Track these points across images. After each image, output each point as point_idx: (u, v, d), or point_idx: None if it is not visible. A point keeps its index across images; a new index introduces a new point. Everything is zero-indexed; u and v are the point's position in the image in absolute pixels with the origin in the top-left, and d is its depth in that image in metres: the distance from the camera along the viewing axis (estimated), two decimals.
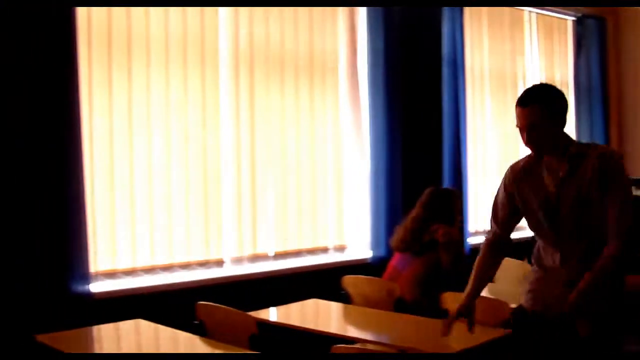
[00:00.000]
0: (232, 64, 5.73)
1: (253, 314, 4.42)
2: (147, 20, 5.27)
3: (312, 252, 6.23)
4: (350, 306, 5.07)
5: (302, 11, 6.19)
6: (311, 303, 5.07)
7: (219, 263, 5.63)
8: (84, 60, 4.91)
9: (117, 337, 4.35)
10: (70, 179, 4.71)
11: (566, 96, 3.48)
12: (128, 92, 5.17)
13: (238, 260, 5.72)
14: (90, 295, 4.80)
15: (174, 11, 5.40)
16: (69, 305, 4.70)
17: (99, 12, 5.01)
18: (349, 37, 6.46)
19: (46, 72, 4.64)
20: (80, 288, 4.76)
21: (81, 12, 4.86)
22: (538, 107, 3.36)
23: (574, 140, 3.54)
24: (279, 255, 5.99)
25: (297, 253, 6.12)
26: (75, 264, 4.74)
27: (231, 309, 4.30)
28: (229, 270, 5.66)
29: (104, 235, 5.06)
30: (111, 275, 5.08)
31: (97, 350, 4.16)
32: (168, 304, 5.09)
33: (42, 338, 4.05)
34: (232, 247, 5.73)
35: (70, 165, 4.71)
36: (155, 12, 5.31)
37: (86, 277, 4.80)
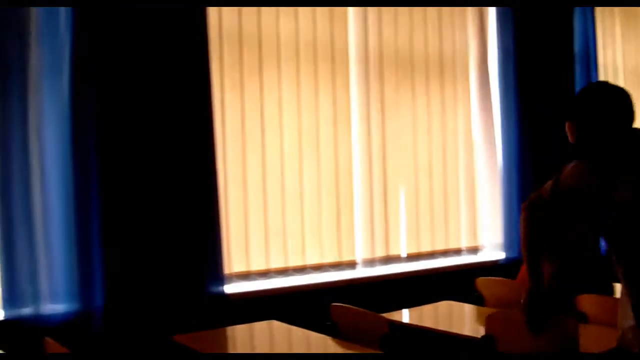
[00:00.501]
0: (361, 64, 5.68)
1: (385, 315, 4.36)
2: (277, 22, 5.28)
3: (444, 253, 6.12)
4: (483, 308, 4.94)
5: (431, 11, 6.10)
6: (444, 305, 4.97)
7: (352, 264, 5.59)
8: (216, 62, 4.95)
9: (250, 338, 4.36)
10: (205, 182, 4.76)
11: None
12: (259, 94, 5.19)
13: (370, 262, 5.66)
14: (225, 297, 4.84)
15: (304, 12, 5.40)
16: (205, 306, 4.74)
17: (229, 15, 5.05)
18: (478, 37, 6.34)
19: (179, 74, 4.69)
20: (216, 289, 4.79)
21: (212, 15, 4.90)
22: None
23: None
24: (412, 257, 5.91)
25: (430, 254, 6.01)
26: (211, 266, 4.78)
27: (363, 310, 4.25)
28: (361, 271, 5.61)
29: (238, 237, 5.08)
30: (245, 276, 5.10)
31: (231, 350, 4.18)
32: (301, 305, 5.08)
33: (179, 338, 4.09)
34: (365, 249, 5.68)
35: (204, 169, 4.75)
36: (285, 14, 5.32)
37: (221, 279, 4.83)
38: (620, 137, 3.03)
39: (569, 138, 3.14)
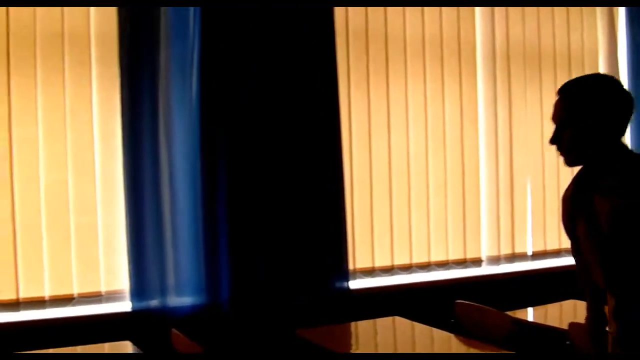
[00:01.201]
0: (488, 60, 5.57)
1: (509, 313, 4.27)
2: (404, 19, 5.23)
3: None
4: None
5: (559, 10, 5.95)
6: (569, 304, 4.82)
7: (476, 262, 5.50)
8: (342, 60, 4.93)
9: (373, 334, 4.31)
10: (331, 179, 4.75)
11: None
12: (385, 91, 5.15)
13: (495, 259, 5.56)
14: (349, 292, 4.82)
15: (430, 9, 5.33)
16: (329, 301, 4.73)
17: (356, 13, 5.03)
18: (608, 35, 6.14)
19: (306, 72, 4.69)
20: (340, 285, 4.78)
21: (339, 14, 4.89)
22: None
23: None
24: (538, 255, 5.77)
25: (556, 253, 5.84)
26: (336, 262, 4.77)
27: (488, 308, 4.17)
28: (486, 269, 5.51)
29: (363, 233, 5.05)
30: (370, 272, 5.07)
31: (353, 346, 4.17)
32: (424, 302, 5.02)
33: (303, 333, 4.10)
34: (490, 246, 5.56)
35: (330, 166, 4.75)
36: (411, 11, 5.26)
37: (346, 275, 4.82)
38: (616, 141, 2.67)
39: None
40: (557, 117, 2.67)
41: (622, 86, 2.66)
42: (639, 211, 2.53)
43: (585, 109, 2.60)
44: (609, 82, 2.67)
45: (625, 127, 2.65)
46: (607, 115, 2.60)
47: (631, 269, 2.60)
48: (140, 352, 3.72)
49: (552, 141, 2.68)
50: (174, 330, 3.76)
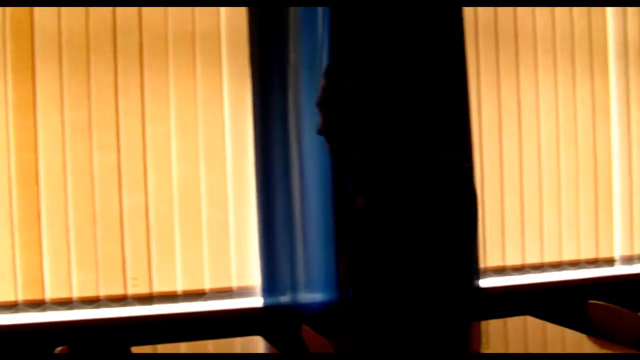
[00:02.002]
0: (621, 57, 5.34)
1: None
2: (533, 16, 5.10)
3: None
4: None
5: None
6: None
7: (609, 261, 5.28)
8: (472, 57, 4.84)
9: (504, 332, 4.21)
10: None
11: None
12: (516, 88, 5.03)
13: (629, 259, 5.33)
14: (480, 290, 4.72)
15: (560, 9, 5.18)
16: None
17: (485, 10, 4.93)
18: None
19: (436, 69, 4.59)
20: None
21: (468, 10, 4.79)
22: None
23: None
24: None
25: None
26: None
27: (622, 309, 4.01)
28: (620, 268, 5.29)
29: (494, 231, 4.94)
30: (500, 271, 4.95)
31: (484, 345, 4.07)
32: (556, 302, 4.85)
33: None
34: (623, 245, 5.33)
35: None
36: (542, 11, 5.12)
37: (477, 273, 4.72)
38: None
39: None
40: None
41: None
42: None
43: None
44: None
45: None
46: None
47: None
48: (271, 347, 3.71)
49: None
50: (304, 326, 3.75)
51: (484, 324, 4.23)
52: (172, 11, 4.30)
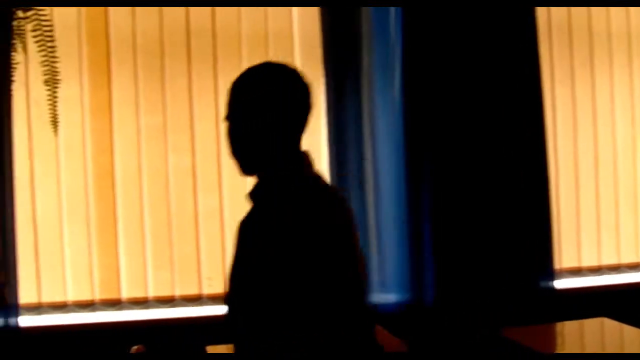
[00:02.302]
0: None
1: None
2: (608, 18, 5.02)
3: None
4: None
5: None
6: None
7: None
8: (546, 56, 4.78)
9: (580, 335, 4.14)
10: (535, 176, 4.61)
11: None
12: (590, 86, 4.95)
13: None
14: (554, 292, 4.65)
15: (635, 8, 5.07)
16: (534, 300, 4.58)
17: (558, 10, 4.87)
18: None
19: (509, 68, 4.56)
20: (545, 284, 4.62)
21: (541, 10, 4.74)
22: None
23: None
24: None
25: None
26: (541, 261, 4.61)
27: None
28: None
29: (569, 232, 4.87)
30: (576, 272, 4.87)
31: (559, 347, 4.03)
32: (635, 304, 4.75)
33: (508, 332, 3.98)
34: None
35: (534, 162, 4.60)
36: (616, 10, 5.03)
37: (551, 274, 4.65)
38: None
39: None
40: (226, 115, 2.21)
41: (295, 77, 2.20)
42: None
43: (248, 103, 2.13)
44: (278, 71, 2.20)
45: (299, 128, 2.21)
46: (272, 112, 2.12)
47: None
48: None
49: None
50: (379, 327, 3.74)
51: (559, 326, 4.20)
52: (245, 14, 4.33)
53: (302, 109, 2.19)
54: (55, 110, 3.27)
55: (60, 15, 4.01)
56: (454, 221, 4.47)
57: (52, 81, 3.20)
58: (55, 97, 3.22)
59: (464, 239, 4.48)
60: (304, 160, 2.24)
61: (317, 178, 2.25)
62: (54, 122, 3.28)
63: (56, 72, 3.18)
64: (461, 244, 4.47)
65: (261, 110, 2.11)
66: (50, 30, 3.10)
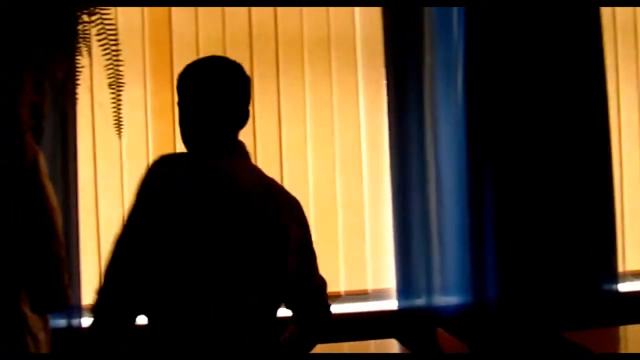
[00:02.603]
0: None
1: None
2: None
3: None
4: None
5: None
6: None
7: None
8: (610, 54, 4.71)
9: None
10: (599, 177, 4.55)
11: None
12: None
13: None
14: (618, 295, 4.58)
15: None
16: (597, 303, 4.51)
17: (623, 12, 4.81)
18: None
19: (573, 67, 4.50)
20: (609, 287, 4.55)
21: (605, 12, 4.68)
22: None
23: None
24: None
25: None
26: (604, 263, 4.55)
27: None
28: None
29: (634, 234, 4.78)
30: None
31: (622, 350, 3.99)
32: None
33: (569, 335, 3.94)
34: None
35: (598, 163, 4.55)
36: None
37: (615, 277, 4.58)
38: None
39: None
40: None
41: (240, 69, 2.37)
42: None
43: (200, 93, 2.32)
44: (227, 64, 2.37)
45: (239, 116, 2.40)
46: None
47: None
48: (406, 350, 3.71)
49: None
50: (440, 330, 3.73)
51: (621, 329, 4.16)
52: (307, 15, 4.34)
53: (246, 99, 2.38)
54: (119, 114, 3.28)
55: (124, 19, 4.06)
56: (516, 223, 4.43)
57: (116, 84, 3.21)
58: (120, 100, 3.24)
59: (526, 241, 4.44)
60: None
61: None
62: (118, 125, 3.30)
63: (120, 75, 3.19)
64: (523, 246, 4.43)
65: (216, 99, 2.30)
66: (115, 34, 3.11)
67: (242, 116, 2.40)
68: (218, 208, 2.28)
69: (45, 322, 3.08)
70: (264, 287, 2.32)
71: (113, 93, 3.21)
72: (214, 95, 2.31)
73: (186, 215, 2.26)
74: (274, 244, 2.33)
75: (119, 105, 3.29)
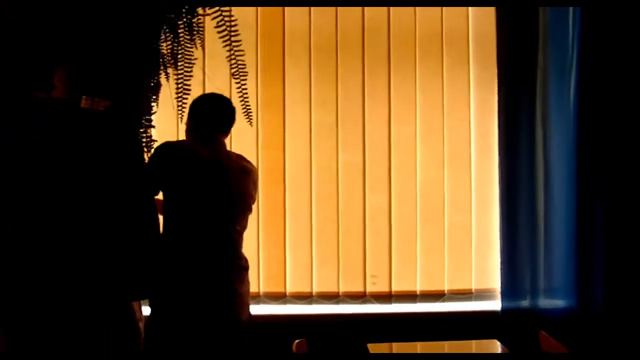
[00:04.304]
0: None
1: None
2: None
3: None
4: None
5: None
6: None
7: None
8: None
9: None
10: None
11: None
12: None
13: None
14: None
15: None
16: None
17: None
18: None
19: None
20: None
21: None
22: None
23: None
24: None
25: None
26: None
27: None
28: None
29: None
30: None
31: None
32: None
33: None
34: None
35: None
36: None
37: None
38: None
39: None
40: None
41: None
42: None
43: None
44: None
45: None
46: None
47: None
48: (508, 351, 3.71)
49: None
50: (543, 332, 3.72)
51: None
52: (421, 13, 4.36)
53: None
54: (246, 103, 3.45)
55: (238, 15, 4.14)
56: (625, 226, 4.36)
57: (239, 74, 3.34)
58: (245, 89, 3.38)
59: (634, 245, 4.36)
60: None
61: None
62: (247, 114, 3.47)
63: (242, 65, 3.31)
64: (632, 250, 4.35)
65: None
66: (234, 25, 3.23)
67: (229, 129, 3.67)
68: (210, 165, 3.51)
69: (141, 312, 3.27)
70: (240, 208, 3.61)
71: (237, 82, 3.35)
72: (223, 120, 3.63)
73: (192, 167, 3.48)
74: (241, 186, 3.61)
75: (244, 94, 3.43)
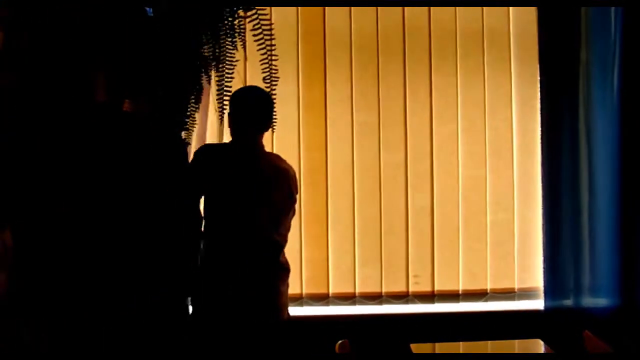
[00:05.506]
0: None
1: None
2: None
3: None
4: None
5: None
6: None
7: None
8: None
9: None
10: None
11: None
12: None
13: None
14: None
15: None
16: None
17: None
18: None
19: None
20: None
21: None
22: None
23: None
24: None
25: None
26: None
27: None
28: None
29: None
30: None
31: None
32: None
33: None
34: None
35: None
36: None
37: None
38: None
39: None
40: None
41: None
42: None
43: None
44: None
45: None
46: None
47: None
48: (551, 351, 3.72)
49: None
50: (587, 332, 3.72)
51: None
52: (461, 12, 4.38)
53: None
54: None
55: (279, 15, 4.19)
56: None
57: (270, 78, 3.38)
58: (273, 93, 3.42)
59: None
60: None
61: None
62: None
63: (275, 69, 3.36)
64: None
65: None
66: (270, 29, 3.28)
67: (268, 126, 3.50)
68: (249, 167, 3.46)
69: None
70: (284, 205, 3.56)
71: (268, 87, 3.39)
72: (256, 112, 3.46)
73: (228, 173, 3.45)
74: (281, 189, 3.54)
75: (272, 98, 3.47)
